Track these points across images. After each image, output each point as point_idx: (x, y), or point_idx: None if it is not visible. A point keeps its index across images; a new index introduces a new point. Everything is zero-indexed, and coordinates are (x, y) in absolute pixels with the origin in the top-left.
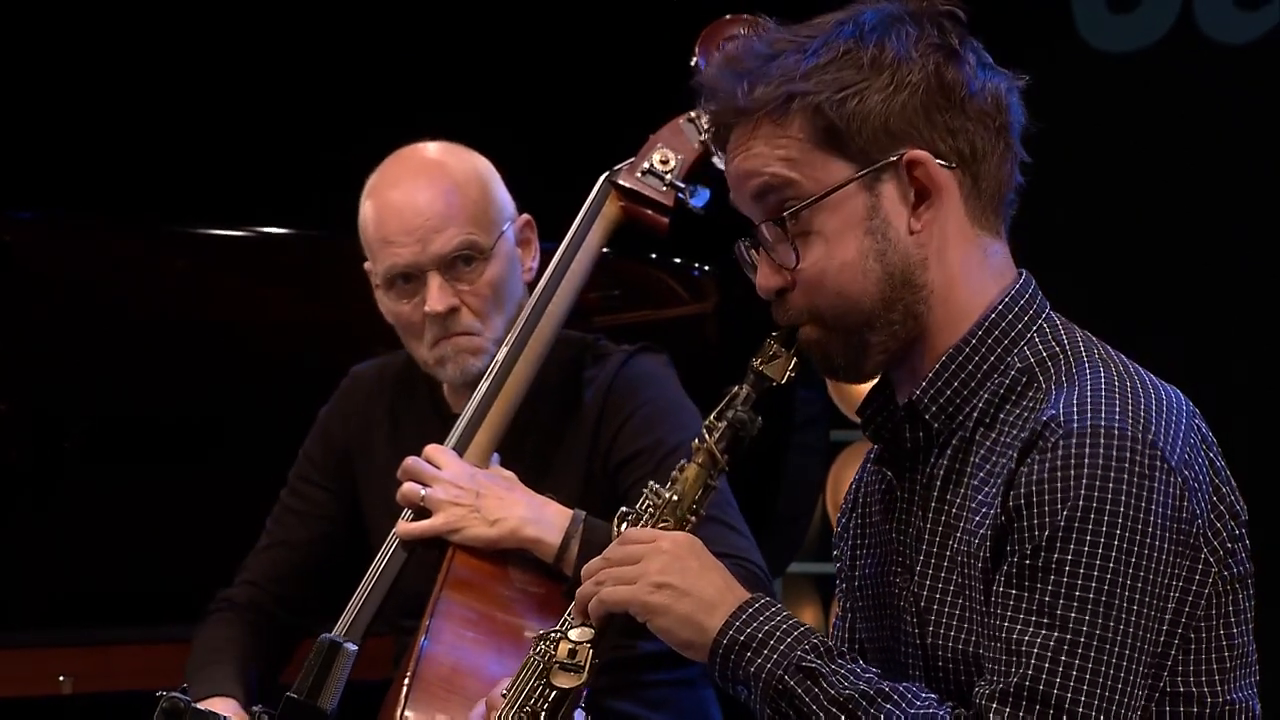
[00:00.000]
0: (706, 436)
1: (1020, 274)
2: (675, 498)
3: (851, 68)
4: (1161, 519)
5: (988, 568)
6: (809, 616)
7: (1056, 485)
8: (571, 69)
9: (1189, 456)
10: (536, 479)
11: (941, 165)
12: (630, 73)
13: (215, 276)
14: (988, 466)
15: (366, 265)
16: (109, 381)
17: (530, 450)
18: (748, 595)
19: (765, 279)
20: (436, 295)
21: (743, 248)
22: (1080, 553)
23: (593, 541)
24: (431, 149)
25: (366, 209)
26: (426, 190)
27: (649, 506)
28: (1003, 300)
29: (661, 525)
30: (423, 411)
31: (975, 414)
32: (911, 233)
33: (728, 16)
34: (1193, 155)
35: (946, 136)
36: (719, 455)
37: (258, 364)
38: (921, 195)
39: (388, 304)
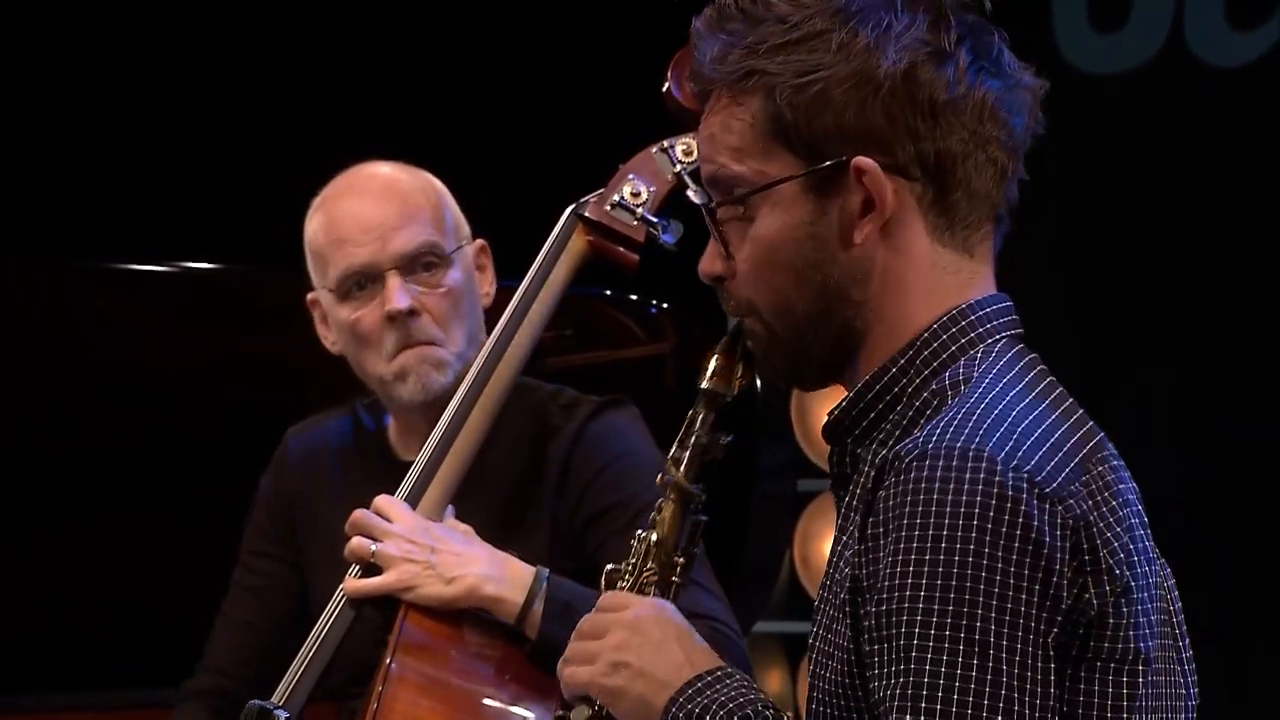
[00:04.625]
0: (673, 471)
1: (981, 296)
2: (656, 540)
3: (820, 51)
4: (1031, 546)
5: (845, 602)
6: (775, 680)
7: (904, 514)
8: (534, 95)
9: (1075, 491)
10: (497, 534)
11: (894, 174)
12: (598, 99)
13: (137, 314)
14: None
15: (310, 296)
16: (19, 426)
17: (490, 504)
18: (703, 669)
19: (707, 263)
20: (397, 294)
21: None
22: (934, 587)
23: (559, 600)
24: (383, 166)
25: (316, 221)
26: (384, 193)
27: (634, 556)
28: (941, 319)
29: (647, 572)
30: (370, 460)
31: (881, 437)
32: (854, 244)
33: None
34: (1183, 185)
35: (907, 143)
36: (689, 487)
37: (182, 408)
38: (868, 205)
39: (341, 316)
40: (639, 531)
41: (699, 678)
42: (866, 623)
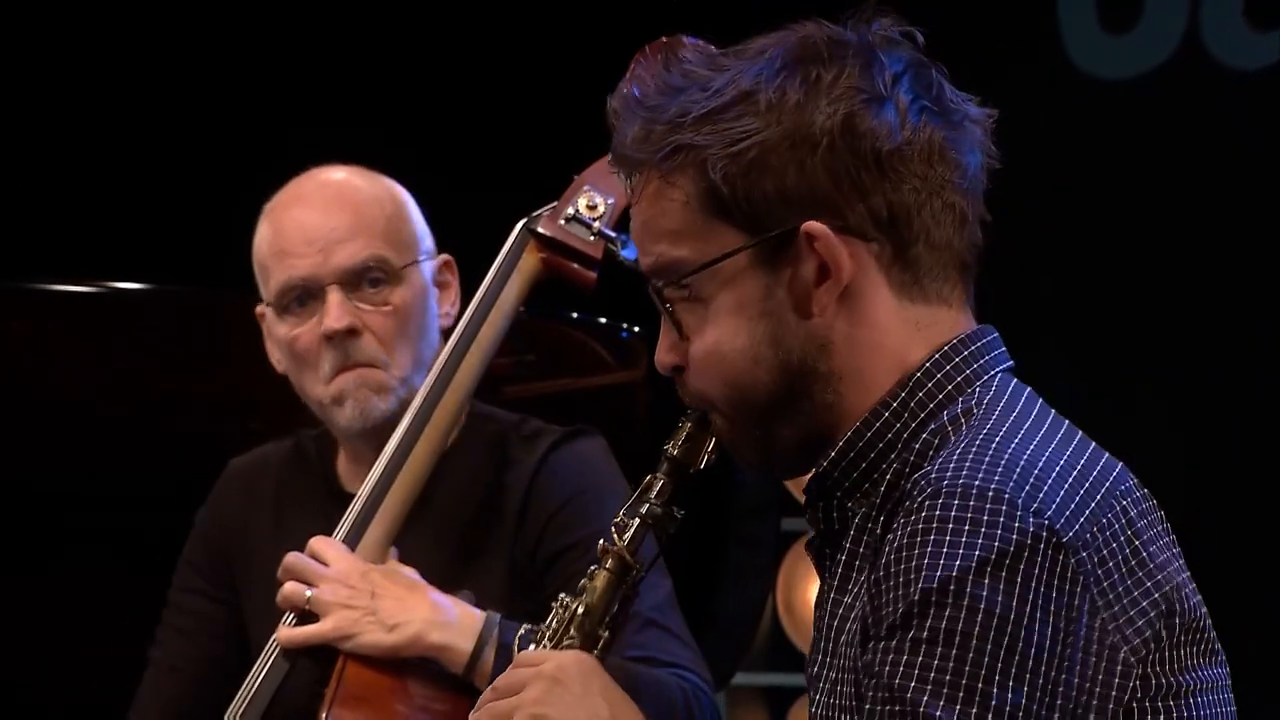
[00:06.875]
0: (615, 539)
1: (967, 333)
2: (582, 610)
3: (749, 115)
4: (1042, 599)
5: (857, 655)
6: None
7: (914, 553)
8: (482, 101)
9: (1093, 539)
10: (454, 573)
11: (848, 235)
12: (551, 105)
13: (60, 339)
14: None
15: (258, 309)
16: None
17: (446, 541)
18: None
19: (662, 354)
20: (336, 311)
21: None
22: (937, 630)
23: (511, 648)
24: (338, 171)
25: (263, 229)
26: (334, 203)
27: (554, 621)
28: (929, 360)
29: (567, 642)
30: (314, 494)
31: (884, 487)
32: (812, 316)
33: (663, 39)
34: (1200, 193)
35: (856, 200)
36: (629, 559)
37: (107, 440)
38: (824, 272)
39: (280, 333)
40: (563, 595)
41: None
42: (866, 658)
